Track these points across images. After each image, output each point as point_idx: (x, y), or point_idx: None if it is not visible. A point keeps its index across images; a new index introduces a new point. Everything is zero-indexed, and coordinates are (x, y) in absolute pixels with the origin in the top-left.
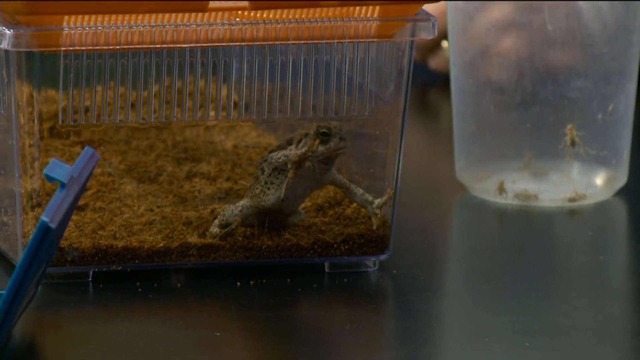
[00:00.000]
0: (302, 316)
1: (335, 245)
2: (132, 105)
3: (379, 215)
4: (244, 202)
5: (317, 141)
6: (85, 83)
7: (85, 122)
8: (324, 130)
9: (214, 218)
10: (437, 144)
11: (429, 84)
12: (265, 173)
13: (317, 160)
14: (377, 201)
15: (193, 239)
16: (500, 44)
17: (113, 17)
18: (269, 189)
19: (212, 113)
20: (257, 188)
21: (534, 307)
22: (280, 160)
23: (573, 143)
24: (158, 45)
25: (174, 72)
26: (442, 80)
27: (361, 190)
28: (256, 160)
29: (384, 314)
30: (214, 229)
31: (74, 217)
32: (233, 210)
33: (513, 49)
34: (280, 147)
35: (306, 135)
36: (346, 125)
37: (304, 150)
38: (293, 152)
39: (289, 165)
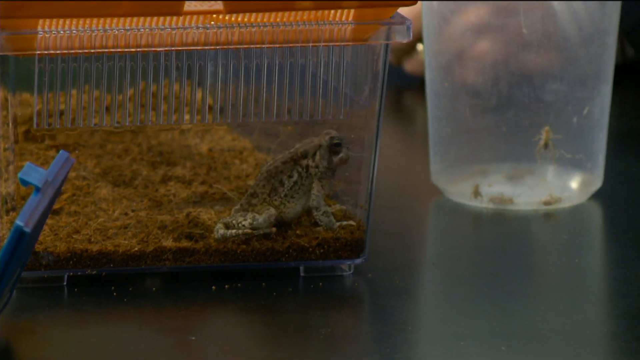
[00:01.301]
0: (278, 320)
1: (311, 249)
2: (107, 109)
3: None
4: (272, 211)
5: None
6: (60, 87)
7: (60, 126)
8: (337, 141)
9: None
10: (412, 147)
11: (404, 87)
12: (285, 186)
13: (331, 171)
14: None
15: (168, 242)
16: (476, 47)
17: (88, 20)
18: (289, 202)
19: (187, 117)
20: (275, 200)
21: (509, 311)
22: (319, 200)
23: (546, 145)
24: (133, 49)
25: (148, 75)
26: (417, 83)
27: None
28: (232, 165)
29: (360, 318)
30: (221, 231)
31: (48, 221)
32: (266, 219)
33: (489, 52)
34: (293, 159)
35: (320, 146)
36: (320, 128)
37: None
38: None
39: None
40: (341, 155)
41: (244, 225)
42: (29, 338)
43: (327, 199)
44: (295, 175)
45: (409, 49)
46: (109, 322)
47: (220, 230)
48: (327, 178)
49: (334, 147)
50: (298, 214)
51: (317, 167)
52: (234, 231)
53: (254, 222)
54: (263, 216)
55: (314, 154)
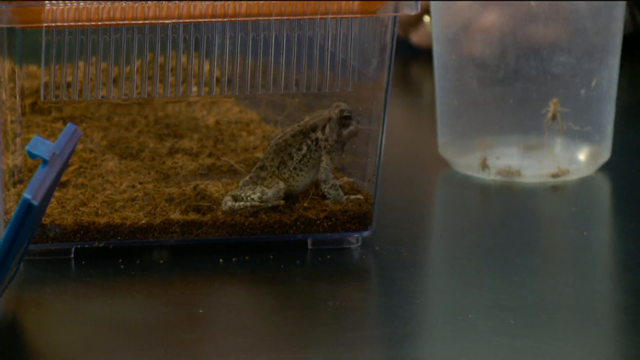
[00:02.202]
0: (285, 293)
1: (318, 222)
2: (114, 81)
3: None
4: (281, 185)
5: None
6: (67, 59)
7: (67, 98)
8: (346, 114)
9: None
10: (420, 119)
11: (411, 59)
12: (294, 159)
13: (340, 143)
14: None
15: (175, 215)
16: (483, 19)
17: None
18: (298, 175)
19: (194, 89)
20: (284, 172)
21: (517, 284)
22: (328, 173)
23: (554, 117)
24: (140, 21)
25: (156, 48)
26: (424, 56)
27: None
28: (239, 137)
29: (367, 291)
30: (230, 203)
31: (55, 193)
32: (276, 192)
33: (496, 24)
34: (302, 132)
35: (329, 119)
36: (328, 100)
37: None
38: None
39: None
40: (351, 128)
41: (252, 199)
42: (36, 311)
43: (335, 171)
44: (305, 148)
45: (416, 22)
46: (116, 295)
47: (228, 203)
48: (336, 151)
49: (344, 120)
50: (307, 187)
51: (326, 140)
52: (242, 203)
53: (263, 196)
54: (272, 190)
55: (324, 127)
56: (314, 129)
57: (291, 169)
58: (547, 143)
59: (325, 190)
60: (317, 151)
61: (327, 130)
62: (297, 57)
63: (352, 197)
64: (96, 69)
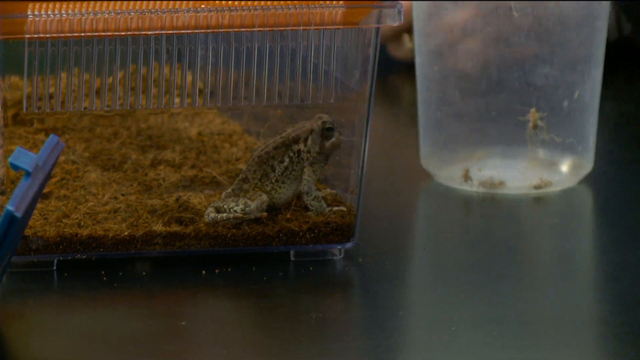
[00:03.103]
0: (268, 305)
1: (301, 234)
2: (97, 92)
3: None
4: (264, 197)
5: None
6: (49, 70)
7: (49, 110)
8: (329, 126)
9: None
10: (402, 131)
11: (389, 71)
12: (277, 171)
13: (323, 155)
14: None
15: (158, 227)
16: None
17: (77, 4)
18: (280, 187)
19: (177, 100)
20: (267, 185)
21: (500, 296)
22: (310, 185)
23: (535, 126)
24: (123, 33)
25: (138, 59)
26: (404, 67)
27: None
28: (221, 148)
29: (350, 303)
30: (212, 215)
31: (38, 205)
32: (259, 205)
33: (479, 36)
34: (284, 144)
35: (312, 131)
36: (310, 112)
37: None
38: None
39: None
40: (333, 139)
41: (235, 211)
42: (19, 322)
43: (317, 183)
44: (287, 160)
45: (396, 36)
46: (99, 307)
47: (211, 214)
48: (318, 163)
49: (326, 132)
50: (290, 199)
51: (308, 152)
52: (224, 215)
53: (246, 208)
54: (255, 202)
55: (306, 139)
56: (296, 140)
57: (273, 181)
58: (529, 154)
59: (308, 202)
60: (299, 163)
61: (309, 142)
62: (280, 69)
63: (335, 208)
64: (79, 81)
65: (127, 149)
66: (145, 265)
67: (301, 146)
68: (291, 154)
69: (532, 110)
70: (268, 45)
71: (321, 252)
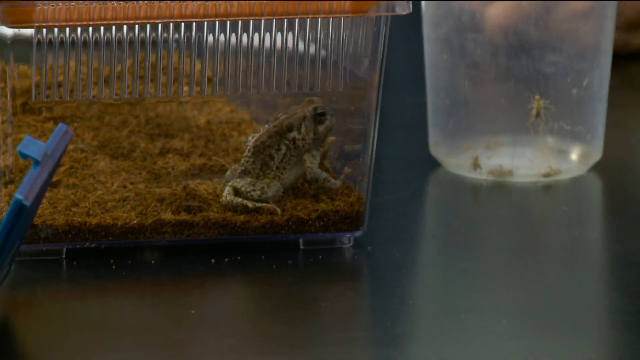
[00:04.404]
0: (277, 293)
1: (310, 222)
2: (106, 81)
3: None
4: (279, 185)
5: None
6: (58, 59)
7: (58, 98)
8: (321, 111)
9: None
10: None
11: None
12: (275, 160)
13: (318, 140)
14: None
15: (167, 215)
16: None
17: None
18: (282, 173)
19: (185, 89)
20: (269, 173)
21: (509, 284)
22: (315, 171)
23: (538, 114)
24: (131, 21)
25: (147, 47)
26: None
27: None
28: (230, 137)
29: (359, 291)
30: (229, 197)
31: (47, 194)
32: (275, 192)
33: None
34: (278, 133)
35: (304, 118)
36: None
37: (324, 149)
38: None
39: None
40: (326, 123)
41: (252, 195)
42: (28, 311)
43: (321, 163)
44: (284, 148)
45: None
46: (108, 296)
47: (228, 196)
48: (315, 147)
49: (319, 117)
50: (294, 182)
51: (303, 139)
52: (240, 200)
53: (263, 195)
54: (272, 190)
55: (299, 127)
56: (289, 129)
57: (274, 169)
58: (538, 142)
59: (320, 187)
60: (296, 149)
61: (302, 129)
62: (289, 57)
63: (343, 176)
64: (87, 69)
65: (135, 138)
66: (154, 253)
67: (295, 134)
68: (287, 142)
69: (537, 97)
70: (277, 33)
71: (330, 241)
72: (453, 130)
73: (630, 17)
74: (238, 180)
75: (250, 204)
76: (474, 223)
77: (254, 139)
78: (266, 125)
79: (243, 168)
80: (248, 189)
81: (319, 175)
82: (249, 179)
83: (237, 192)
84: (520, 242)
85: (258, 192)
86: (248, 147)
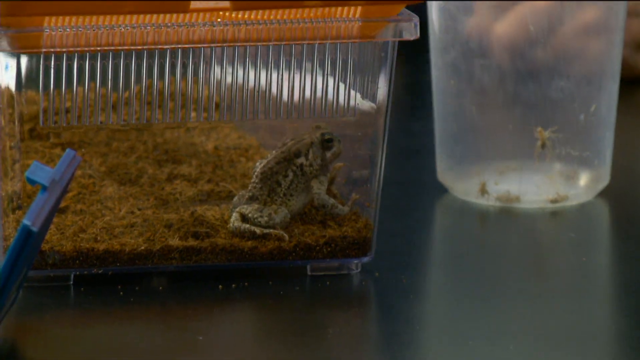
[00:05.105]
0: (285, 319)
1: (318, 248)
2: (113, 106)
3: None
4: (286, 212)
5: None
6: (66, 84)
7: (66, 124)
8: (328, 137)
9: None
10: (418, 145)
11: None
12: (283, 186)
13: (325, 166)
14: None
15: (174, 241)
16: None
17: (94, 18)
18: (289, 200)
19: (193, 114)
20: (276, 200)
21: (517, 310)
22: (322, 197)
23: (543, 145)
24: (139, 47)
25: (155, 73)
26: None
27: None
28: (238, 162)
29: (367, 317)
30: (237, 223)
31: (55, 219)
32: (282, 219)
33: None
34: (286, 160)
35: (312, 144)
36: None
37: (332, 175)
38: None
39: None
40: (334, 149)
41: (259, 222)
42: (36, 337)
43: (329, 188)
44: (291, 175)
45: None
46: (116, 322)
47: (235, 223)
48: (323, 173)
49: (326, 143)
50: (301, 209)
51: (311, 165)
52: (247, 226)
53: (270, 221)
54: (279, 216)
55: (307, 153)
56: (297, 155)
57: (281, 195)
58: (545, 169)
59: (328, 213)
60: (303, 175)
61: (310, 155)
62: (296, 83)
63: (350, 203)
64: (95, 95)
65: (143, 164)
66: (162, 279)
67: (303, 160)
68: (294, 168)
69: (539, 129)
70: (285, 59)
71: (338, 267)
72: (461, 156)
73: (637, 35)
74: (245, 206)
75: (257, 230)
76: (482, 249)
77: (262, 165)
78: (273, 152)
79: (250, 194)
80: (255, 215)
81: (327, 202)
82: (256, 205)
83: (244, 218)
84: (527, 268)
85: (265, 219)
86: (255, 174)
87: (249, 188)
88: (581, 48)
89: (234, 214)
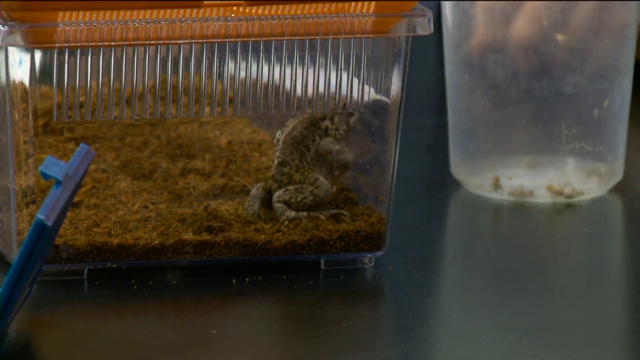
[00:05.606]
0: (298, 313)
1: (331, 242)
2: (127, 101)
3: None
4: (325, 181)
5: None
6: (79, 79)
7: (79, 119)
8: (350, 111)
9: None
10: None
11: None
12: (312, 151)
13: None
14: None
15: (188, 235)
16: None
17: (108, 12)
18: (314, 166)
19: (207, 109)
20: (306, 165)
21: (531, 305)
22: (329, 145)
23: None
24: (153, 42)
25: (168, 68)
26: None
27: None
28: (251, 157)
29: (380, 311)
30: (291, 214)
31: (68, 214)
32: (326, 188)
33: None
34: (312, 124)
35: (333, 115)
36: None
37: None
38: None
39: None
40: (355, 117)
41: (305, 204)
42: (50, 331)
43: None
44: (318, 139)
45: None
46: (129, 316)
47: (290, 213)
48: (345, 143)
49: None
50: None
51: (336, 129)
52: (305, 213)
53: (317, 199)
54: (322, 189)
55: (332, 117)
56: (322, 118)
57: (309, 160)
58: (559, 163)
59: (334, 160)
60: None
61: (336, 119)
62: (310, 77)
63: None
64: (109, 90)
65: (157, 158)
66: (176, 274)
67: (328, 123)
68: (320, 132)
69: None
70: (298, 54)
71: (351, 261)
72: (474, 151)
73: None
74: (280, 194)
75: (322, 215)
76: (495, 243)
77: (287, 131)
78: (291, 120)
79: (280, 159)
80: (299, 198)
81: (332, 147)
82: (291, 189)
83: (290, 205)
84: (541, 263)
85: (311, 197)
86: (282, 140)
87: (277, 155)
88: (595, 43)
89: (279, 205)
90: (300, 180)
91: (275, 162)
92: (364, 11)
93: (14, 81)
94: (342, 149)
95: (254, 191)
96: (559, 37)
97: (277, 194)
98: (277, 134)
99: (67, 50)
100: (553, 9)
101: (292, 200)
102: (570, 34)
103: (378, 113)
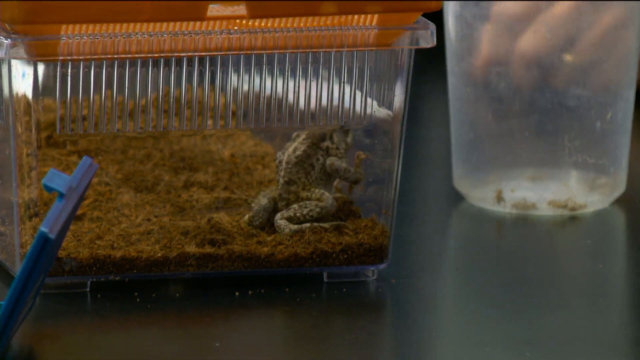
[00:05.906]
0: (301, 326)
1: (334, 255)
2: (130, 114)
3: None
4: (328, 195)
5: (350, 136)
6: (82, 92)
7: (82, 132)
8: (346, 128)
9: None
10: (434, 151)
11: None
12: (316, 169)
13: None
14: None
15: (191, 248)
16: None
17: (111, 25)
18: (318, 184)
19: (209, 122)
20: (311, 183)
21: (534, 317)
22: (336, 164)
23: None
24: (156, 54)
25: (171, 81)
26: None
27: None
28: (254, 170)
29: (383, 324)
30: (294, 227)
31: (71, 227)
32: (330, 201)
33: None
34: (314, 143)
35: (333, 130)
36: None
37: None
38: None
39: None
40: (351, 135)
41: (312, 216)
42: (52, 344)
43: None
44: (321, 158)
45: None
46: (132, 329)
47: (293, 227)
48: (345, 159)
49: (344, 128)
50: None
51: (337, 148)
52: (308, 225)
53: (323, 210)
54: (326, 201)
55: (331, 137)
56: (322, 138)
57: (313, 179)
58: (561, 176)
59: (342, 178)
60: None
61: (335, 138)
62: (313, 90)
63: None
64: (112, 103)
65: (160, 171)
66: (179, 286)
67: (328, 143)
68: (321, 152)
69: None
70: (301, 66)
71: (354, 274)
72: (477, 163)
73: None
74: (283, 212)
75: (326, 225)
76: (498, 256)
77: (291, 150)
78: (290, 142)
79: (286, 179)
80: (304, 212)
81: (340, 166)
82: (295, 205)
83: (292, 221)
84: (544, 275)
85: (318, 210)
86: (285, 160)
87: (282, 174)
88: (599, 56)
89: (279, 221)
90: (308, 197)
91: (281, 181)
92: (366, 24)
93: (17, 94)
94: (348, 167)
95: (263, 201)
96: (567, 57)
97: (280, 213)
98: (278, 155)
99: (70, 63)
100: (562, 26)
101: (298, 214)
102: (578, 53)
103: (381, 126)
